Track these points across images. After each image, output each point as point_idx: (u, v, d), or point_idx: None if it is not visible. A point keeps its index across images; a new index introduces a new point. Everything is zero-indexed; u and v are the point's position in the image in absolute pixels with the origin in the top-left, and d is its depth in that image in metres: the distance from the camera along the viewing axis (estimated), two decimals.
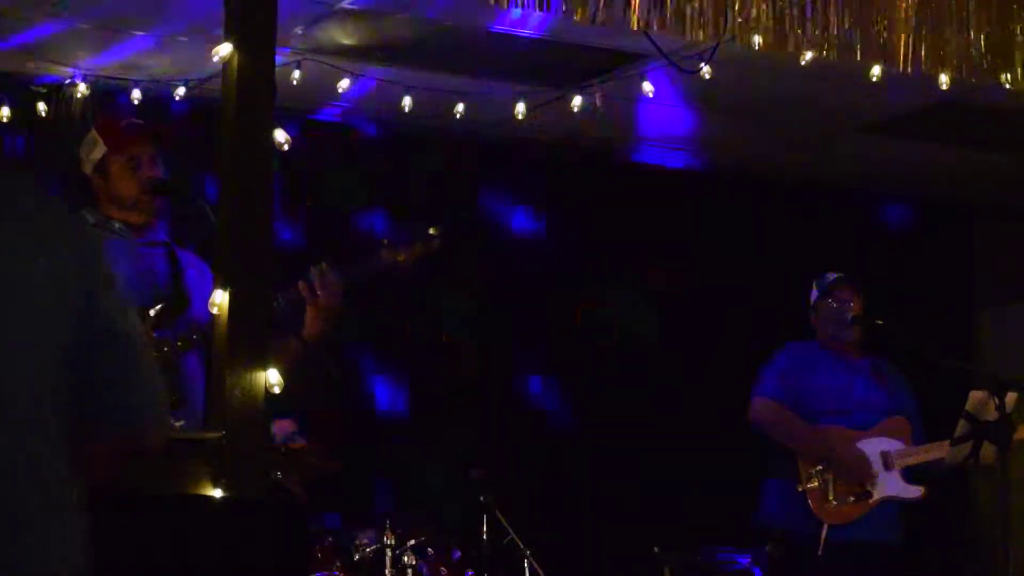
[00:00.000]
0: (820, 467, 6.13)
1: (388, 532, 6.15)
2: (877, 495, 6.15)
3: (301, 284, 4.70)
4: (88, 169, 4.97)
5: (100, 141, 4.95)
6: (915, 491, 6.21)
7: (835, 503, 6.09)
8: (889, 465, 6.20)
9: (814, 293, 6.45)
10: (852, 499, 6.12)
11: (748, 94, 7.07)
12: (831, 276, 6.43)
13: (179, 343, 4.78)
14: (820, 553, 6.01)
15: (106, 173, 4.93)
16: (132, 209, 4.92)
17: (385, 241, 4.94)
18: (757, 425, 6.22)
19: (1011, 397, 5.49)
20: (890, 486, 6.18)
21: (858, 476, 6.13)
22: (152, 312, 4.80)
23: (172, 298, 4.84)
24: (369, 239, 4.96)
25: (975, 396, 5.72)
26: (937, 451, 6.14)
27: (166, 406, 2.49)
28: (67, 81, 6.88)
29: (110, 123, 5.10)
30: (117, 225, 4.90)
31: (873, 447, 6.22)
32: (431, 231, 4.97)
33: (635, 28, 5.13)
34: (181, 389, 4.85)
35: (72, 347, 2.29)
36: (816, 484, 6.11)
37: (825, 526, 6.05)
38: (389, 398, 7.60)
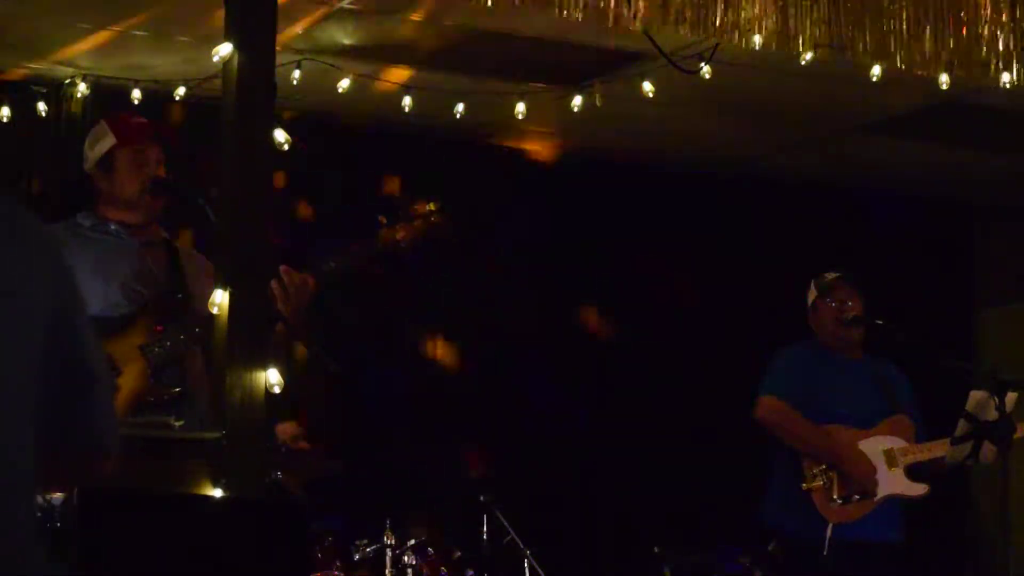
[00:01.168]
0: (824, 466, 6.12)
1: (388, 532, 6.15)
2: (881, 493, 6.15)
3: (274, 283, 4.71)
4: (92, 163, 4.95)
5: (110, 132, 4.92)
6: (919, 488, 6.20)
7: (839, 502, 6.08)
8: (892, 463, 6.19)
9: (813, 293, 6.44)
10: (856, 498, 6.11)
11: (748, 94, 7.07)
12: (831, 276, 6.42)
13: (182, 336, 4.78)
14: (825, 553, 6.00)
15: (111, 167, 4.91)
16: (131, 208, 4.91)
17: (383, 220, 4.94)
18: (764, 424, 6.21)
19: (1011, 397, 5.49)
20: (894, 484, 6.17)
21: (861, 479, 6.12)
22: (154, 307, 4.81)
23: (173, 293, 4.85)
24: (366, 221, 4.95)
25: (975, 396, 5.71)
26: (940, 449, 6.13)
27: (117, 431, 2.47)
28: (67, 81, 6.89)
29: (121, 117, 5.08)
30: (113, 227, 4.88)
31: (876, 445, 6.21)
32: (429, 207, 4.97)
33: (629, 25, 5.13)
34: (185, 383, 4.86)
35: (42, 361, 2.26)
36: (820, 483, 6.10)
37: (830, 525, 6.04)
38: (389, 398, 7.60)
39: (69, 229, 4.92)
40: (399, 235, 4.93)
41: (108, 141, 4.91)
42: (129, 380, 4.73)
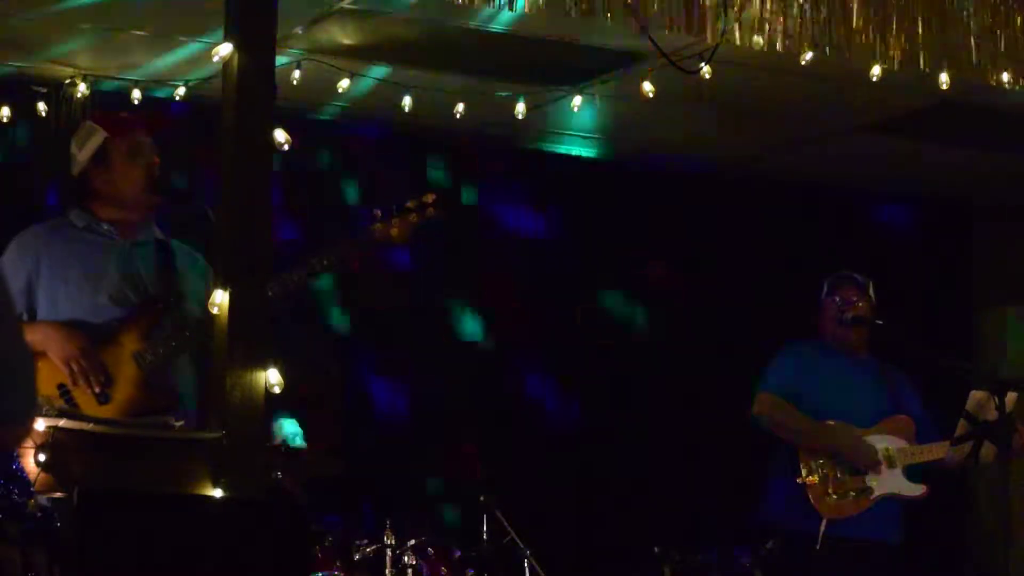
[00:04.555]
0: (821, 461, 6.12)
1: (388, 532, 6.15)
2: (877, 492, 6.14)
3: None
4: (84, 162, 4.90)
5: (99, 128, 4.89)
6: (917, 489, 6.20)
7: (835, 498, 6.08)
8: (891, 463, 6.19)
9: (823, 290, 6.43)
10: (852, 495, 6.11)
11: (748, 94, 7.07)
12: (837, 274, 6.43)
13: (174, 343, 4.75)
14: (818, 548, 6.00)
15: (107, 162, 4.87)
16: (129, 205, 4.89)
17: (378, 213, 4.91)
18: (761, 420, 6.21)
19: (1011, 397, 5.49)
20: (891, 483, 6.17)
21: (865, 463, 6.11)
22: (143, 313, 4.79)
23: (163, 297, 4.82)
24: (361, 216, 4.94)
25: (975, 396, 5.72)
26: (939, 451, 6.13)
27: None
28: (67, 81, 6.89)
29: (107, 113, 5.08)
30: (105, 227, 4.86)
31: (875, 444, 6.21)
32: (424, 199, 4.93)
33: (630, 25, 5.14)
34: (176, 388, 4.84)
35: None
36: (816, 478, 6.10)
37: (824, 521, 6.04)
38: (389, 398, 7.60)
39: (57, 229, 4.88)
40: (393, 231, 4.90)
41: (99, 136, 4.87)
42: (124, 389, 4.70)
